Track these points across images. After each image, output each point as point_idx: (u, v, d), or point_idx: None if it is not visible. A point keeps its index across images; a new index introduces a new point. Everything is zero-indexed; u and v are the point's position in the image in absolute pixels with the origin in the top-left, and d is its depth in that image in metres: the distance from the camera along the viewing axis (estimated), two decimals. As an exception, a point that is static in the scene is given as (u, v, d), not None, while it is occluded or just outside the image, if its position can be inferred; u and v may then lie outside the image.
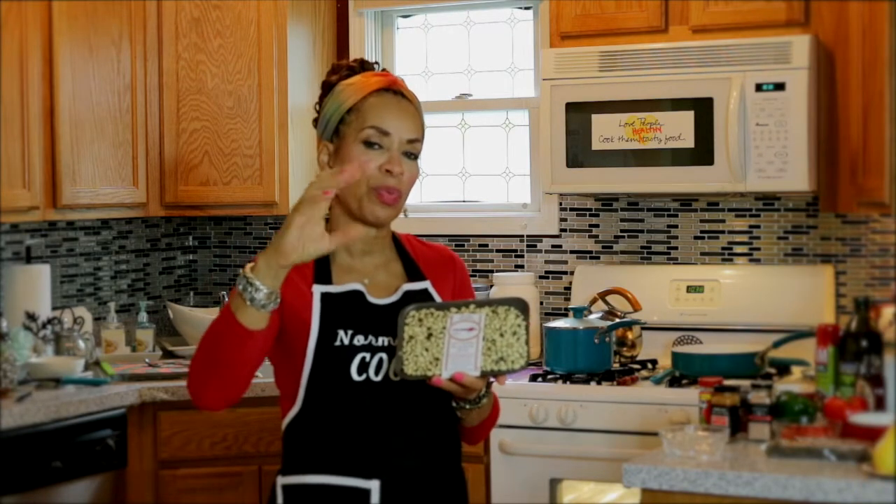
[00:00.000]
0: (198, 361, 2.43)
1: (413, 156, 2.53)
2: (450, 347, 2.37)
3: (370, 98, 2.51)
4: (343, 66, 2.60)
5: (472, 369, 2.38)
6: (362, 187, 2.49)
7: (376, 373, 2.47)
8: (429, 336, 2.37)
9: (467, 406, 2.50)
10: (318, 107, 2.61)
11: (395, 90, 2.54)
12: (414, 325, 2.37)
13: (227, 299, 4.61)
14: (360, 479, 2.46)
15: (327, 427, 2.47)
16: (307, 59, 4.86)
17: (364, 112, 2.50)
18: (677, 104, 4.15)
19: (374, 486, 2.46)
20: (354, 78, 2.56)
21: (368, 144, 2.49)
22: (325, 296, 2.51)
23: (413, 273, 2.59)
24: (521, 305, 2.41)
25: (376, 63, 2.62)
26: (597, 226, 4.70)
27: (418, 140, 2.54)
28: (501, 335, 2.39)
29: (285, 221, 2.31)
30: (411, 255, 2.62)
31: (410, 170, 2.52)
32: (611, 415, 3.91)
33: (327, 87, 2.59)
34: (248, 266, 2.33)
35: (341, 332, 2.49)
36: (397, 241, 2.64)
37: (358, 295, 2.52)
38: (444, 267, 2.64)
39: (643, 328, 4.37)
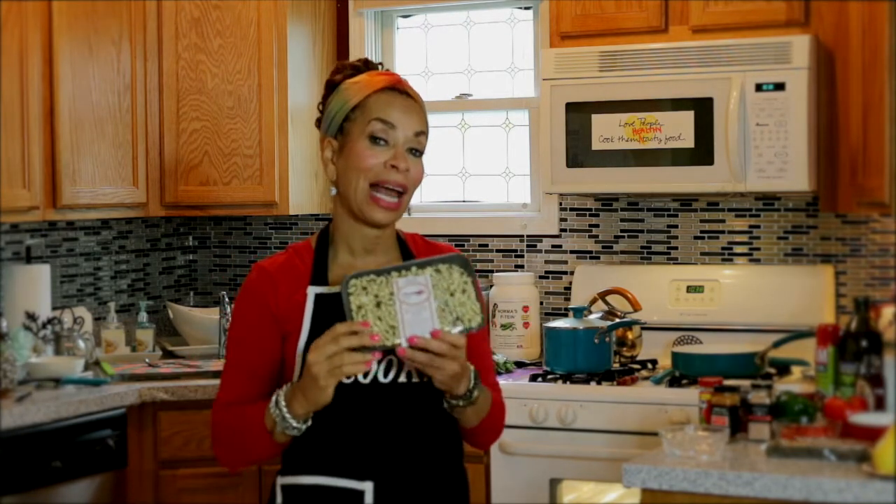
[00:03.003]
0: (222, 441, 2.56)
1: (418, 152, 2.54)
2: (404, 314, 2.33)
3: (375, 95, 2.52)
4: (347, 65, 2.61)
5: (429, 334, 2.34)
6: (361, 186, 2.49)
7: (365, 375, 2.47)
8: (378, 304, 2.33)
9: (460, 403, 2.48)
10: (321, 107, 2.62)
11: (399, 89, 2.54)
12: (359, 294, 2.33)
13: (227, 300, 4.63)
14: (354, 481, 2.47)
15: (320, 428, 2.46)
16: (307, 59, 4.87)
17: (369, 107, 2.51)
18: (677, 104, 4.15)
19: (367, 487, 2.46)
20: (360, 76, 2.56)
21: (374, 140, 2.50)
22: (318, 297, 2.51)
23: None
24: (462, 261, 2.38)
25: (380, 64, 2.63)
26: (597, 226, 4.70)
27: (424, 133, 2.54)
28: (451, 294, 2.36)
29: (308, 372, 2.36)
30: (415, 256, 2.62)
31: (416, 167, 2.53)
32: (611, 415, 3.91)
33: (331, 86, 2.59)
34: (283, 395, 2.42)
35: None
36: (402, 241, 2.64)
37: None
38: None
39: (643, 328, 4.37)
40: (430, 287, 2.35)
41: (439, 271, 2.36)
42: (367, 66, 2.60)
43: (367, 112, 2.51)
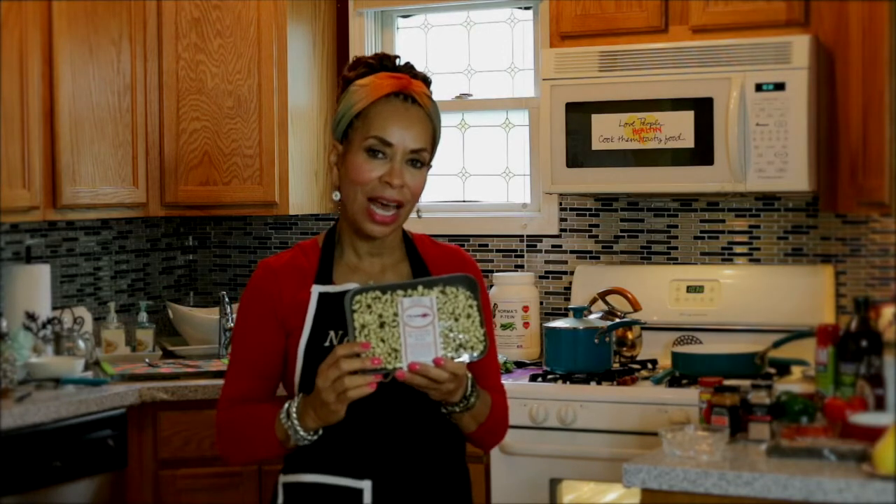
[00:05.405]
0: (226, 438, 2.55)
1: (419, 163, 2.51)
2: (407, 337, 2.30)
3: (378, 104, 2.48)
4: (362, 61, 2.56)
5: (431, 361, 2.32)
6: (359, 199, 2.48)
7: None
8: (381, 325, 2.31)
9: (457, 409, 2.47)
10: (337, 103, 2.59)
11: (405, 94, 2.50)
12: (363, 311, 2.31)
13: (227, 300, 4.63)
14: (353, 479, 2.47)
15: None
16: (307, 59, 4.87)
17: (370, 119, 2.48)
18: (677, 104, 4.15)
19: (366, 485, 2.47)
20: (368, 79, 2.51)
21: (371, 153, 2.48)
22: (322, 296, 2.51)
23: (421, 274, 2.57)
24: (469, 283, 2.35)
25: (397, 57, 2.57)
26: (597, 226, 4.70)
27: (424, 149, 2.50)
28: (456, 319, 2.33)
29: (318, 396, 2.36)
30: (421, 257, 2.61)
31: (414, 179, 2.50)
32: (611, 415, 3.91)
33: (345, 83, 2.56)
34: (295, 409, 2.42)
35: (331, 333, 2.49)
36: (409, 242, 2.63)
37: None
38: (455, 268, 2.59)
39: (643, 328, 4.37)
40: (434, 310, 2.31)
41: (445, 293, 2.33)
42: (381, 63, 2.54)
43: (367, 124, 2.47)
